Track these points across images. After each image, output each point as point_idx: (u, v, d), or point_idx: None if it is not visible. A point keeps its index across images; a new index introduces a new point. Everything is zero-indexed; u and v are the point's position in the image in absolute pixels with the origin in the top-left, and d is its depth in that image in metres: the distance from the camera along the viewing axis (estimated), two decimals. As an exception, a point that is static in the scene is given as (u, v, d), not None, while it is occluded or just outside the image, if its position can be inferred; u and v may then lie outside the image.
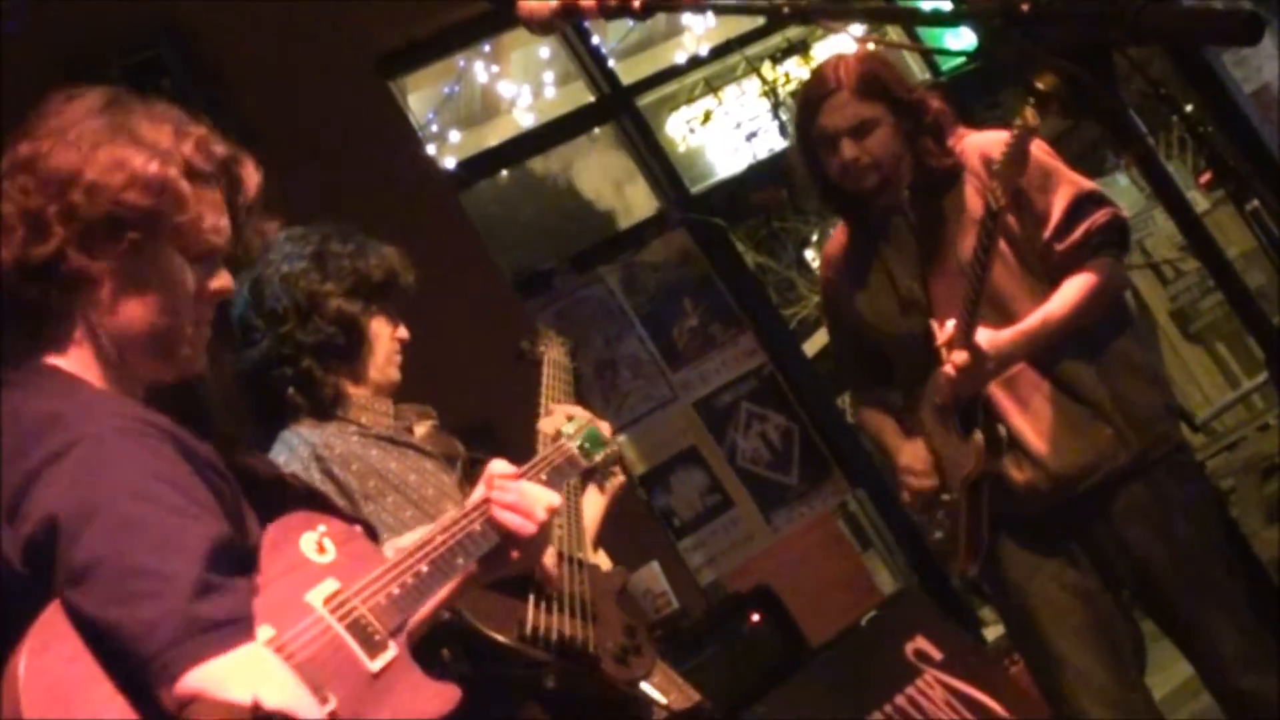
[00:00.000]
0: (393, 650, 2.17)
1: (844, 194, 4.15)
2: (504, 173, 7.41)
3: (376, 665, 2.13)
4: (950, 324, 3.88)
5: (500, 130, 7.86)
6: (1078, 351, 4.00)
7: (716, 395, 6.89)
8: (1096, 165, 9.67)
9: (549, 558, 3.16)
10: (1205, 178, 3.33)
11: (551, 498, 2.60)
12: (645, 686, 3.24)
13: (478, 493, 2.57)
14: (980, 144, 4.08)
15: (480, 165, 7.28)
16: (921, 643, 5.46)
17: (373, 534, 2.46)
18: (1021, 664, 4.86)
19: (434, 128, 7.69)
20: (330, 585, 2.17)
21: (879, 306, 4.19)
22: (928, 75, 8.08)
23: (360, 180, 6.08)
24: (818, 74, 4.14)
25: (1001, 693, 5.32)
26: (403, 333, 3.49)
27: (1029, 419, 4.00)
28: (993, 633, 6.86)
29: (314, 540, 2.26)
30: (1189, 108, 4.06)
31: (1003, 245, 3.96)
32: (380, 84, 6.78)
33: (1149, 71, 2.67)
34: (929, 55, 8.13)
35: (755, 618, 5.48)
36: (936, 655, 5.42)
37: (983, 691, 5.31)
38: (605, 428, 3.25)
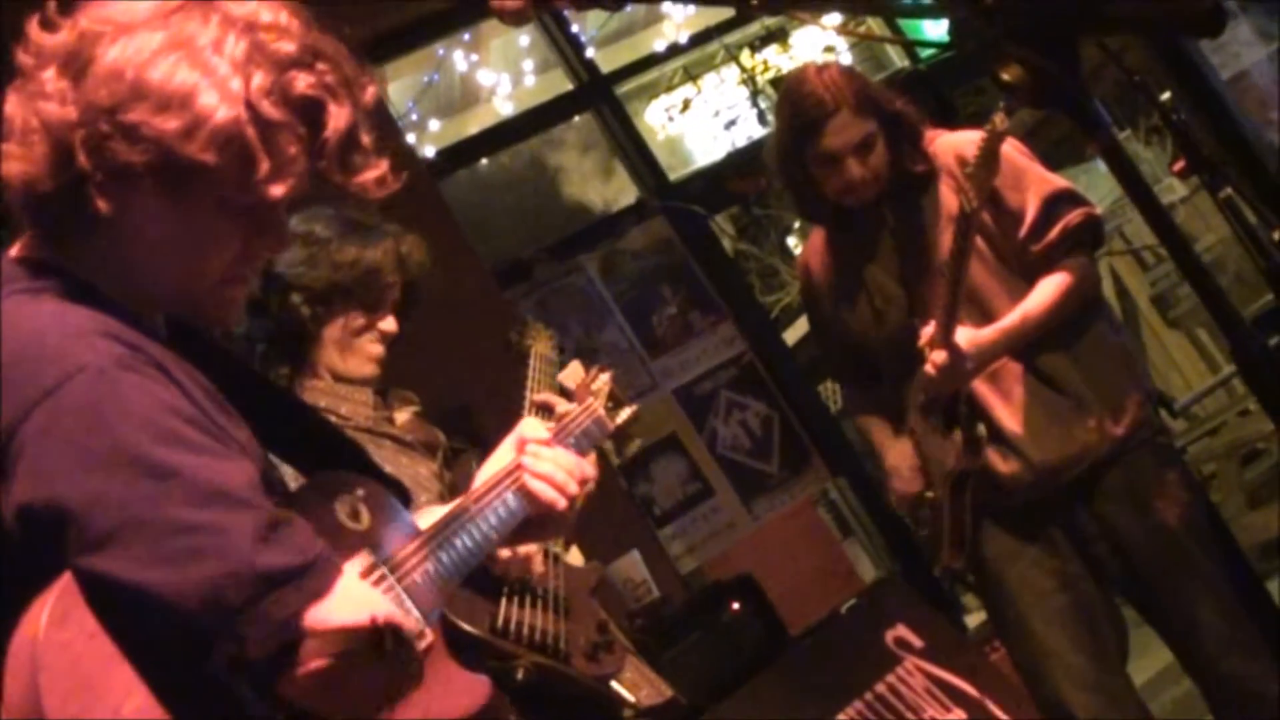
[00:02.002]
0: (429, 637, 1.99)
1: (829, 205, 4.15)
2: (483, 161, 7.41)
3: None
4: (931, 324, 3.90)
5: (479, 119, 7.87)
6: (1057, 343, 4.02)
7: (696, 383, 6.89)
8: (1076, 153, 9.68)
9: (531, 549, 3.16)
10: (1178, 165, 3.33)
11: (585, 468, 2.42)
12: (615, 684, 3.24)
13: (504, 455, 2.40)
14: (954, 144, 4.09)
15: (459, 154, 7.27)
16: (902, 631, 5.46)
17: (405, 496, 2.22)
18: (1002, 651, 4.86)
19: (413, 116, 7.69)
20: (365, 559, 1.97)
21: (862, 311, 4.20)
22: (907, 63, 8.09)
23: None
24: (807, 93, 4.07)
25: (982, 680, 5.32)
26: (387, 325, 3.45)
27: (1011, 411, 4.02)
28: (974, 620, 6.87)
29: (349, 504, 2.04)
30: (1165, 95, 4.05)
31: (981, 244, 3.97)
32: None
33: (1124, 60, 2.67)
34: (907, 44, 8.14)
35: (735, 606, 5.47)
36: (917, 643, 5.42)
37: (964, 679, 5.30)
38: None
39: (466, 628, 3.00)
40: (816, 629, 5.63)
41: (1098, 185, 8.78)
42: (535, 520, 2.38)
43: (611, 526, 5.98)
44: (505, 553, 3.13)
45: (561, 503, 2.36)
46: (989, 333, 3.92)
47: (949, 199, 4.00)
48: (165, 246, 1.90)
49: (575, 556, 3.46)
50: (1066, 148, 9.70)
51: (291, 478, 2.23)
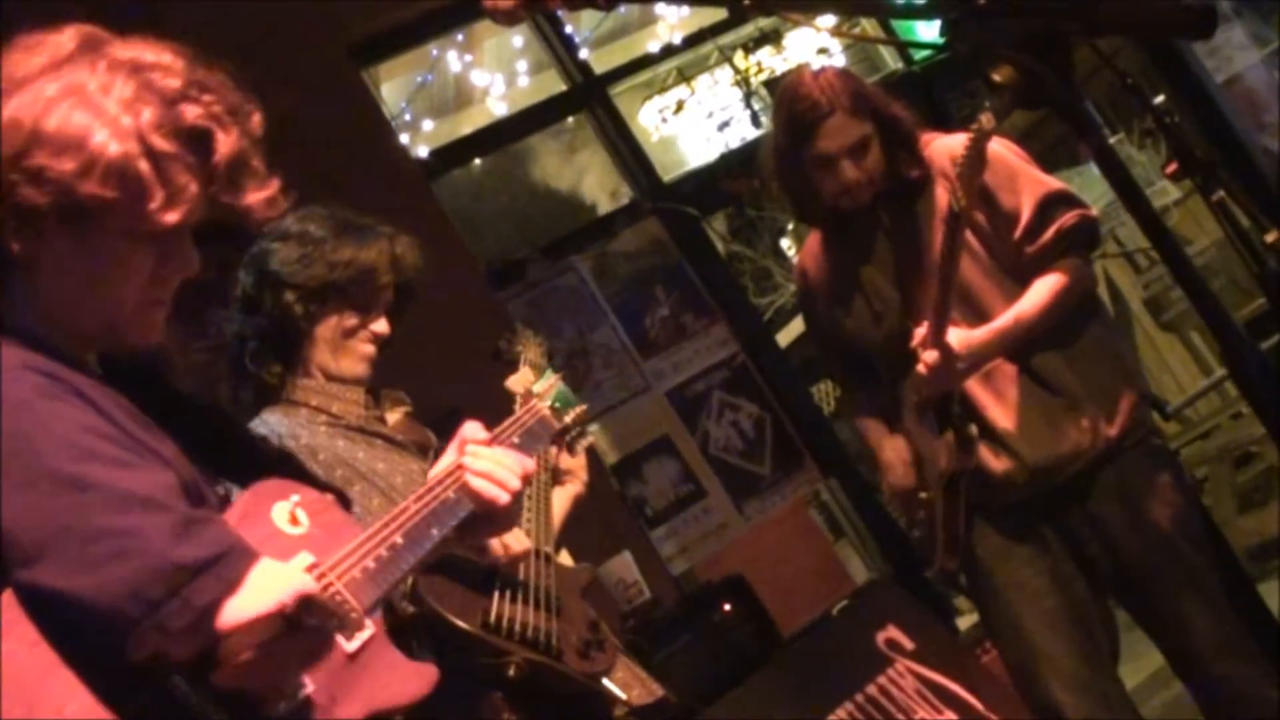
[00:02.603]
0: (369, 629, 2.09)
1: (825, 208, 4.16)
2: (477, 162, 7.40)
3: (353, 645, 2.06)
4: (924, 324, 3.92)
5: (473, 119, 7.86)
6: (1051, 344, 4.03)
7: (689, 384, 6.89)
8: (1071, 156, 9.70)
9: (516, 542, 3.17)
10: (1171, 168, 3.33)
11: (526, 464, 2.54)
12: (606, 682, 3.25)
13: (448, 458, 2.50)
14: (948, 146, 4.10)
15: (453, 154, 7.26)
16: (893, 632, 5.47)
17: (345, 502, 2.35)
18: (994, 653, 4.87)
19: (407, 117, 7.69)
20: (304, 559, 2.03)
21: (859, 312, 4.22)
22: (901, 65, 8.09)
23: (333, 169, 6.06)
24: (803, 95, 4.09)
25: (973, 682, 5.34)
26: (379, 327, 3.46)
27: (1006, 411, 4.03)
28: (965, 622, 6.88)
29: (287, 510, 2.14)
30: (1160, 98, 4.07)
31: (976, 245, 3.99)
32: (353, 73, 6.77)
33: (1118, 63, 2.68)
34: (901, 45, 8.15)
35: (727, 607, 5.48)
36: (908, 645, 5.43)
37: (954, 681, 5.32)
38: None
39: (459, 624, 3.01)
40: (808, 630, 5.64)
41: (1092, 187, 8.77)
42: (481, 516, 2.47)
43: (603, 527, 5.99)
44: (499, 553, 3.15)
45: (503, 498, 2.46)
46: (981, 333, 3.93)
47: (943, 202, 4.01)
48: (80, 280, 2.03)
49: (565, 558, 3.47)
50: (1062, 150, 9.72)
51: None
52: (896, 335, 4.07)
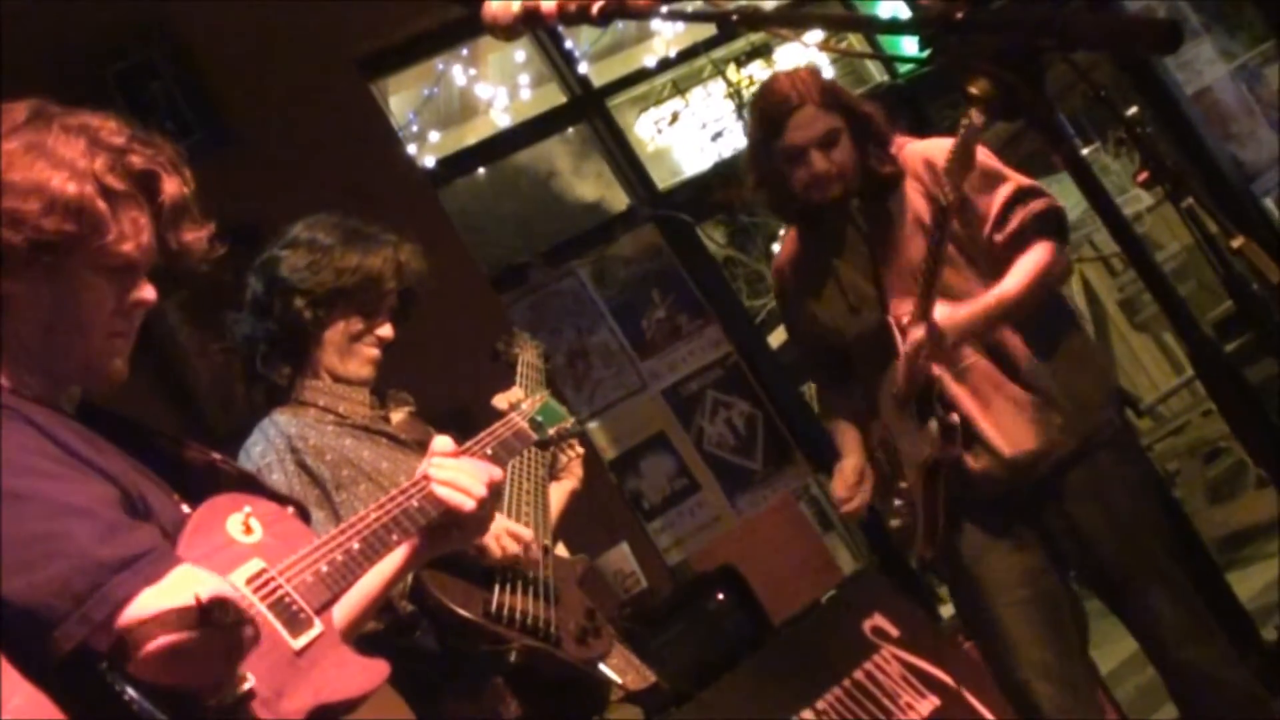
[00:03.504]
0: (317, 628, 2.12)
1: (799, 203, 4.15)
2: (481, 171, 7.39)
3: (300, 643, 2.09)
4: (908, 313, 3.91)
5: (477, 130, 7.86)
6: (1025, 340, 4.03)
7: (684, 383, 6.88)
8: (1048, 166, 9.68)
9: (508, 531, 3.18)
10: (1143, 176, 3.34)
11: (493, 472, 2.56)
12: (603, 667, 3.26)
13: (420, 469, 2.53)
14: (922, 150, 4.09)
15: (458, 164, 7.26)
16: (879, 620, 5.47)
17: (305, 515, 2.40)
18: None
19: (414, 128, 7.67)
20: (254, 565, 2.12)
21: (834, 309, 4.20)
22: (886, 78, 8.09)
23: (343, 178, 6.07)
24: (775, 90, 4.10)
25: (956, 668, 5.34)
26: (384, 331, 3.47)
27: (981, 409, 4.03)
28: (948, 610, 6.87)
29: (240, 521, 2.20)
30: (1133, 110, 4.06)
31: (951, 248, 3.98)
32: (362, 86, 6.77)
33: (1093, 76, 2.69)
34: (886, 60, 8.15)
35: (720, 596, 5.47)
36: (894, 632, 5.43)
37: (938, 666, 5.32)
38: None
39: (462, 613, 3.03)
40: (798, 618, 5.64)
41: (1068, 195, 8.75)
42: (450, 523, 2.50)
43: (602, 520, 5.98)
44: (497, 552, 3.16)
45: (468, 504, 2.48)
46: (965, 310, 3.91)
47: (916, 202, 4.02)
48: (52, 315, 2.14)
49: (562, 550, 3.47)
50: (1039, 160, 9.70)
51: None
52: (872, 329, 4.07)
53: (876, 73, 8.31)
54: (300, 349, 3.40)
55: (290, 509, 2.35)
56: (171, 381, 5.70)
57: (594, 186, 8.01)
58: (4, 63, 5.17)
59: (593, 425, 6.60)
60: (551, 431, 3.15)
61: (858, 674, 5.20)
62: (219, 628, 1.88)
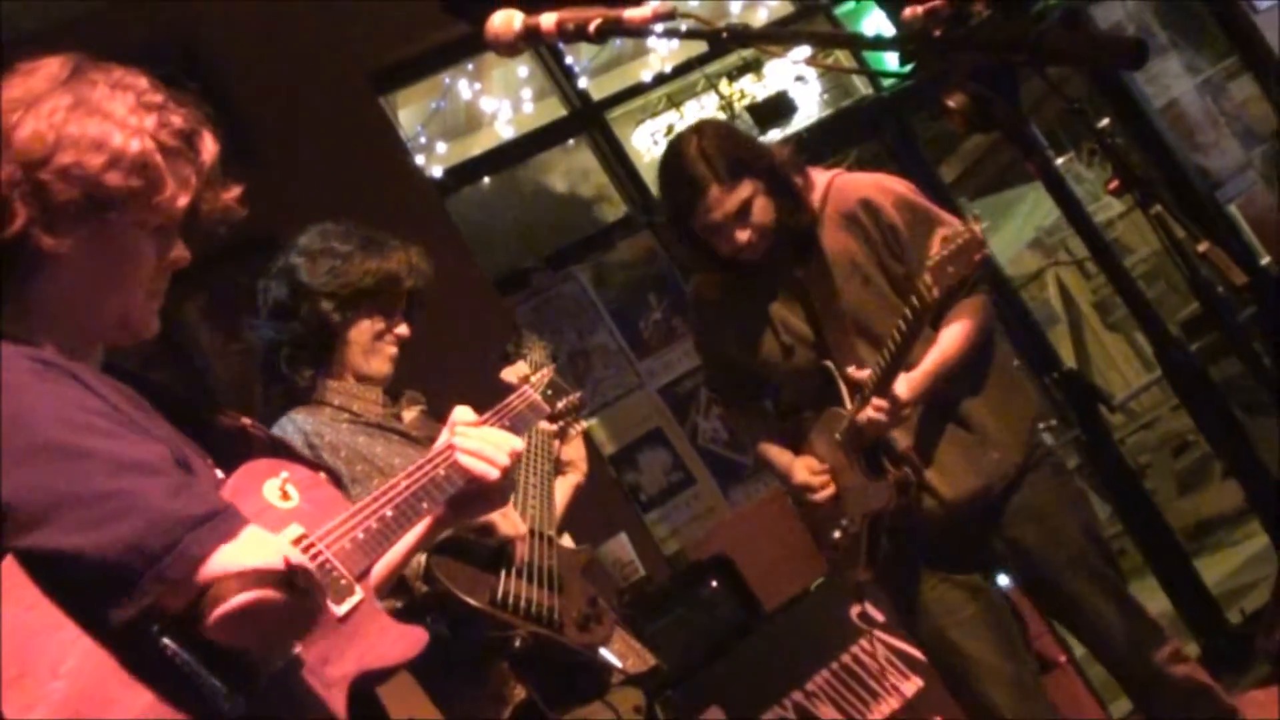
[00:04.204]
0: (358, 594, 2.05)
1: (727, 262, 3.97)
2: (486, 180, 7.40)
3: (342, 609, 2.02)
4: (859, 370, 3.81)
5: (482, 142, 7.85)
6: (962, 381, 3.95)
7: (679, 382, 6.90)
8: (1025, 175, 9.70)
9: (511, 525, 3.18)
10: (1113, 184, 3.32)
11: (515, 443, 2.49)
12: (604, 652, 3.26)
13: (442, 439, 2.48)
14: (855, 187, 3.96)
15: (464, 173, 7.28)
16: (866, 607, 5.47)
17: (338, 481, 2.33)
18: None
19: (422, 139, 7.66)
20: (294, 530, 2.03)
21: (768, 344, 4.03)
22: (871, 92, 8.10)
23: (354, 187, 6.08)
24: (680, 170, 3.86)
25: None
26: (401, 330, 3.49)
27: (922, 450, 3.96)
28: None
29: (277, 486, 2.11)
30: (1104, 122, 4.04)
31: (877, 276, 3.91)
32: (372, 99, 6.77)
33: (1066, 90, 2.69)
34: (872, 75, 8.16)
35: (714, 584, 5.47)
36: (879, 618, 5.43)
37: (920, 649, 5.33)
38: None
39: (469, 600, 3.03)
40: (788, 605, 5.63)
41: (1043, 202, 8.80)
42: (473, 493, 2.44)
43: (602, 511, 5.99)
44: (508, 531, 3.16)
45: (492, 473, 2.42)
46: (918, 377, 3.80)
47: (846, 242, 3.90)
48: (100, 273, 2.06)
49: (566, 541, 3.48)
50: (1016, 170, 9.71)
51: None
52: (805, 369, 3.97)
53: (861, 86, 8.31)
54: (325, 350, 3.41)
55: (322, 475, 2.26)
56: (190, 382, 5.71)
57: (593, 195, 8.01)
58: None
59: (592, 421, 6.60)
60: (561, 404, 3.14)
61: (845, 657, 5.21)
62: (297, 593, 1.82)
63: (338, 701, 1.97)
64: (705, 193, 3.79)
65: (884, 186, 3.98)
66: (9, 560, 1.76)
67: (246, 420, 2.30)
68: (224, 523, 1.83)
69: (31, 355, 1.95)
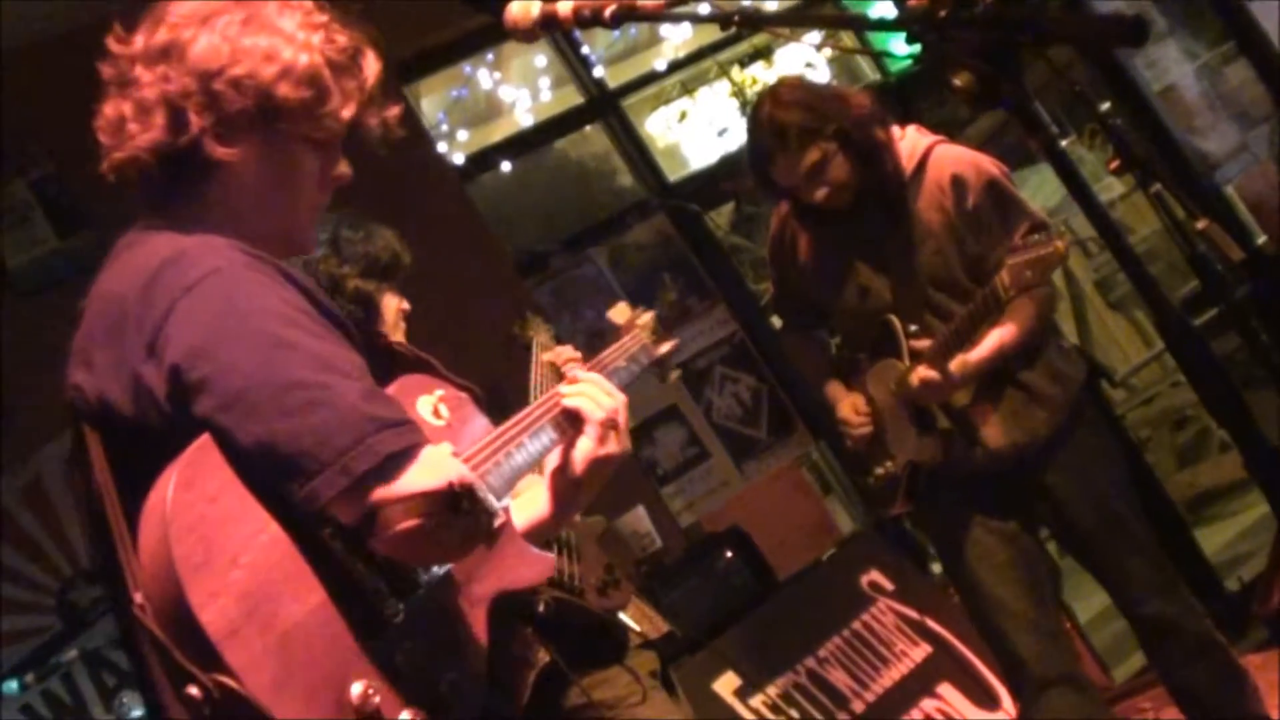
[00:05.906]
0: (502, 516, 2.00)
1: (815, 209, 4.02)
2: (506, 166, 7.39)
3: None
4: (920, 339, 3.87)
5: (502, 129, 7.84)
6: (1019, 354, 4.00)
7: (694, 360, 6.89)
8: (1030, 156, 9.66)
9: None
10: (1114, 165, 3.32)
11: (617, 395, 2.29)
12: (622, 616, 3.27)
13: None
14: (953, 160, 3.98)
15: (485, 160, 7.26)
16: (875, 575, 5.49)
17: (479, 399, 2.26)
18: (963, 593, 4.88)
19: (444, 127, 7.66)
20: (446, 449, 1.96)
21: (837, 289, 4.11)
22: (878, 75, 8.07)
23: (379, 174, 6.06)
24: (754, 134, 3.94)
25: (945, 618, 5.36)
26: (405, 305, 3.51)
27: (972, 405, 4.00)
28: (939, 567, 6.89)
29: (430, 404, 2.11)
30: (1105, 105, 4.03)
31: (955, 255, 3.93)
32: (396, 88, 6.76)
33: (1070, 74, 2.69)
34: (878, 57, 8.14)
35: (729, 555, 5.49)
36: (889, 586, 5.45)
37: (929, 617, 5.34)
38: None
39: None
40: (800, 575, 5.65)
41: (1048, 182, 8.74)
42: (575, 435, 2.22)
43: (620, 485, 5.98)
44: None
45: (597, 413, 2.22)
46: (975, 360, 3.87)
47: (929, 211, 3.94)
48: (266, 184, 2.07)
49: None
50: (1019, 154, 9.68)
51: None
52: (870, 315, 4.03)
53: (869, 70, 8.28)
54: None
55: (466, 395, 2.23)
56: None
57: (609, 179, 8.00)
58: (55, 99, 5.17)
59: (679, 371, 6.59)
60: (664, 349, 3.07)
61: (856, 624, 5.23)
62: (462, 514, 1.82)
63: (479, 619, 1.99)
64: (773, 161, 3.90)
65: (979, 166, 3.98)
66: (191, 452, 1.76)
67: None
68: (410, 432, 1.85)
69: (241, 248, 1.96)
